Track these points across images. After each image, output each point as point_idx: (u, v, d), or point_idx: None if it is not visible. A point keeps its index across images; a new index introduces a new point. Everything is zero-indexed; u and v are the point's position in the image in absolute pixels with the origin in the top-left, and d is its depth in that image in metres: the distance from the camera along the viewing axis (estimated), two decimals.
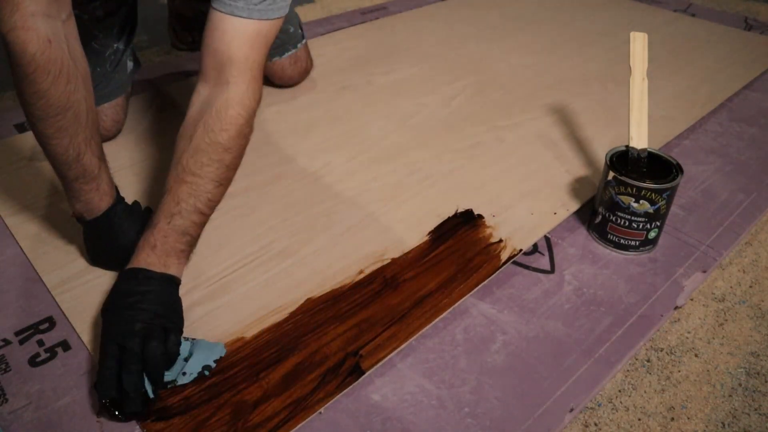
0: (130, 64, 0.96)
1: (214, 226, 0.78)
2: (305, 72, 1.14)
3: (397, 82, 1.14)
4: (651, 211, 0.72)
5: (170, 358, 0.57)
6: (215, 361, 0.59)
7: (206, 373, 0.58)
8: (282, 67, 1.08)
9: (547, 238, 0.78)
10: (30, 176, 0.87)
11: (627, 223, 0.73)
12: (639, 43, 0.78)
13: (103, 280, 0.70)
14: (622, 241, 0.75)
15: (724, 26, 1.41)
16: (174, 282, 0.63)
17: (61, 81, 0.59)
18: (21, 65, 0.57)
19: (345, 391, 0.58)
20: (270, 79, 1.11)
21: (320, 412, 0.57)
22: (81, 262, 0.72)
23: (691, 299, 0.74)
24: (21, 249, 0.75)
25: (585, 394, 0.60)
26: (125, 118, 0.98)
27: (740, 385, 0.64)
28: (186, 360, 0.58)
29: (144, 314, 0.57)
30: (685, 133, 1.01)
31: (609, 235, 0.76)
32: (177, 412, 0.56)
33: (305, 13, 1.53)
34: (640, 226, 0.73)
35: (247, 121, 0.67)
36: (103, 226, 0.68)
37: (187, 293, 0.68)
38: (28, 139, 0.96)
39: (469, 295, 0.68)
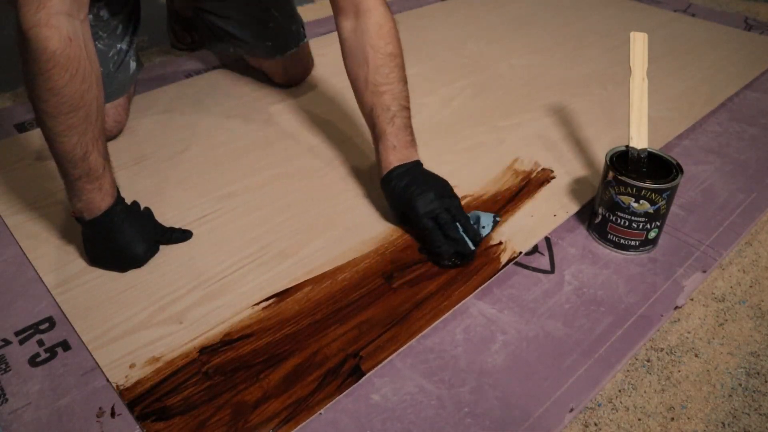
0: (132, 65, 0.96)
1: (214, 225, 0.78)
2: (306, 72, 1.14)
3: None
4: (651, 211, 0.72)
5: (464, 213, 0.73)
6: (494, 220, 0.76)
7: (498, 219, 0.77)
8: (284, 66, 1.09)
9: (547, 239, 0.78)
10: (30, 176, 0.87)
11: (627, 223, 0.73)
12: (639, 43, 0.78)
13: (102, 280, 0.70)
14: (622, 241, 0.75)
15: (724, 26, 1.41)
16: (420, 164, 0.77)
17: (77, 79, 0.60)
18: (40, 61, 0.58)
19: (345, 391, 0.58)
20: (272, 79, 1.11)
21: (321, 413, 0.57)
22: (81, 262, 0.72)
23: (691, 299, 0.74)
24: (21, 249, 0.75)
25: (585, 394, 0.60)
26: (127, 118, 0.98)
27: (740, 385, 0.64)
28: (475, 224, 0.75)
29: (434, 194, 0.72)
30: (685, 133, 1.01)
31: (609, 235, 0.76)
32: (177, 412, 0.56)
33: (305, 13, 1.52)
34: (640, 226, 0.73)
35: (396, 28, 0.78)
36: (102, 226, 0.68)
37: (187, 293, 0.68)
38: (29, 139, 0.96)
39: (469, 297, 0.68)
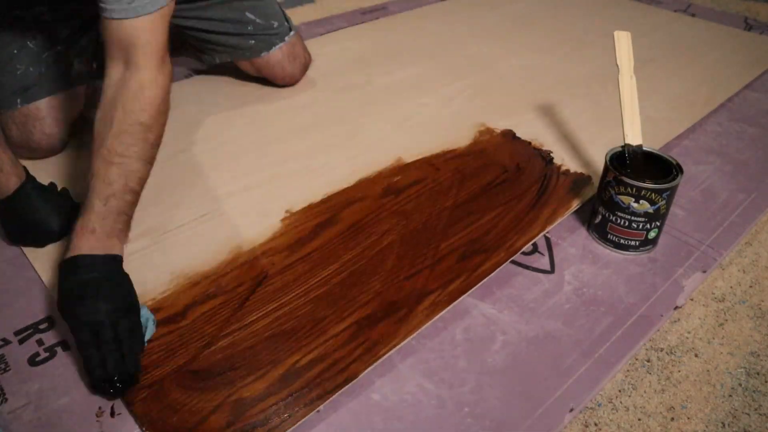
0: (77, 69, 0.92)
1: (213, 225, 0.78)
2: (304, 67, 1.13)
3: (397, 82, 1.14)
4: (651, 211, 0.72)
5: (139, 333, 0.60)
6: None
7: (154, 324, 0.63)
8: (281, 65, 1.08)
9: (547, 238, 0.78)
10: None
11: (627, 223, 0.73)
12: (624, 42, 0.78)
13: None
14: (622, 241, 0.75)
15: (724, 26, 1.41)
16: (119, 260, 0.64)
17: None
18: None
19: (344, 390, 0.58)
20: (272, 81, 1.11)
21: (319, 410, 0.57)
22: None
23: (691, 299, 0.74)
24: (21, 249, 0.75)
25: (585, 394, 0.60)
26: (63, 133, 0.90)
27: (740, 385, 0.64)
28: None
29: (104, 303, 0.58)
30: (685, 133, 1.01)
31: (609, 235, 0.76)
32: (176, 410, 0.56)
33: (305, 13, 1.53)
34: (640, 226, 0.73)
35: (164, 99, 0.69)
36: (15, 203, 0.71)
37: (186, 290, 0.68)
38: None
39: (468, 294, 0.68)
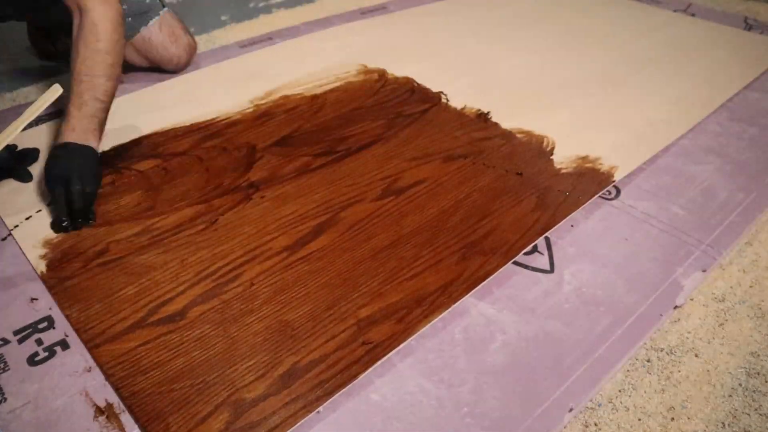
0: None
1: (208, 226, 0.78)
2: (190, 48, 1.17)
3: None
4: None
5: (94, 193, 0.81)
6: None
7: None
8: (164, 45, 1.13)
9: (546, 238, 0.78)
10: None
11: None
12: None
13: (102, 279, 0.70)
14: None
15: (724, 26, 1.41)
16: (93, 149, 0.83)
17: None
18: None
19: (344, 390, 0.58)
20: (160, 65, 1.15)
21: (318, 411, 0.57)
22: (80, 262, 0.72)
23: (691, 299, 0.74)
24: (21, 249, 0.75)
25: (584, 394, 0.60)
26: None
27: (740, 385, 0.64)
28: None
29: (73, 164, 0.79)
30: (684, 132, 1.00)
31: None
32: (176, 410, 0.56)
33: (305, 13, 1.53)
34: None
35: (115, 29, 0.87)
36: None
37: (188, 289, 0.68)
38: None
39: (468, 295, 0.68)
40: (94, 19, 0.85)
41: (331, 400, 0.57)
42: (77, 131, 0.82)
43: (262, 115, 1.03)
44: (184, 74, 1.17)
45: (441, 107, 1.06)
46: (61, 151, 0.81)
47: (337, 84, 1.12)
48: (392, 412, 0.57)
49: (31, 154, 0.91)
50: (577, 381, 0.60)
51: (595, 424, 0.60)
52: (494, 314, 0.67)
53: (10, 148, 0.90)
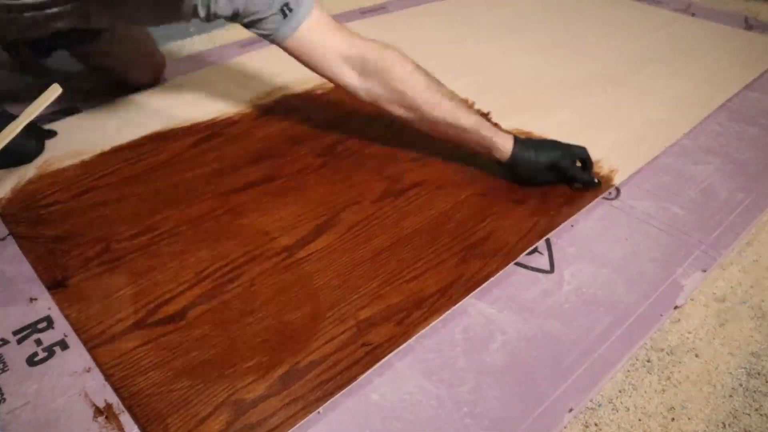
0: None
1: (214, 224, 0.78)
2: (159, 63, 1.13)
3: None
4: None
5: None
6: None
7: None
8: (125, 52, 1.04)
9: (546, 238, 0.78)
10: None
11: None
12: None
13: (101, 279, 0.70)
14: None
15: (724, 26, 1.41)
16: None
17: None
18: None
19: (344, 390, 0.58)
20: (127, 77, 1.08)
21: (319, 412, 0.57)
22: (80, 262, 0.72)
23: (692, 299, 0.73)
24: (20, 249, 0.75)
25: (584, 394, 0.60)
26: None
27: (741, 385, 0.64)
28: None
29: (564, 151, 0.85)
30: (684, 132, 1.00)
31: None
32: (176, 410, 0.56)
33: None
34: None
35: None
36: None
37: (187, 290, 0.68)
38: None
39: (468, 296, 0.68)
40: (394, 60, 0.83)
41: (330, 400, 0.57)
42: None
43: (262, 115, 1.03)
44: (184, 74, 1.17)
45: None
46: None
47: None
48: (392, 412, 0.57)
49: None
50: (577, 381, 0.60)
51: (596, 425, 0.60)
52: (494, 314, 0.67)
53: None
